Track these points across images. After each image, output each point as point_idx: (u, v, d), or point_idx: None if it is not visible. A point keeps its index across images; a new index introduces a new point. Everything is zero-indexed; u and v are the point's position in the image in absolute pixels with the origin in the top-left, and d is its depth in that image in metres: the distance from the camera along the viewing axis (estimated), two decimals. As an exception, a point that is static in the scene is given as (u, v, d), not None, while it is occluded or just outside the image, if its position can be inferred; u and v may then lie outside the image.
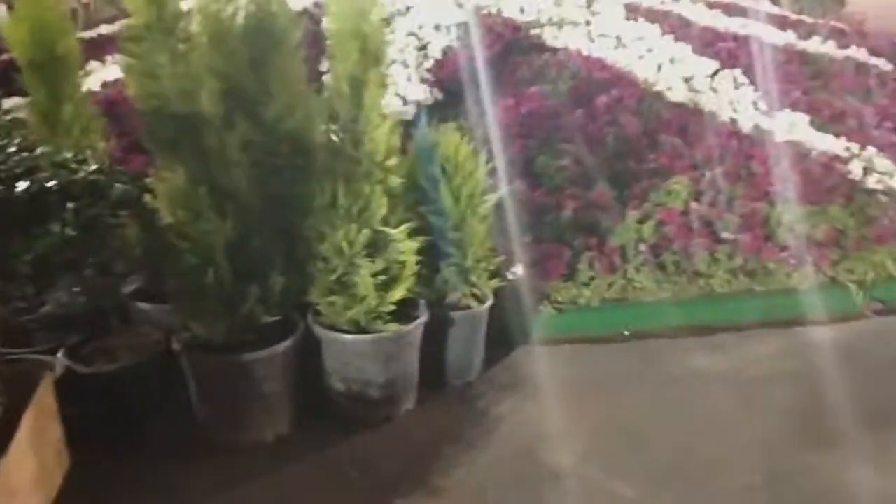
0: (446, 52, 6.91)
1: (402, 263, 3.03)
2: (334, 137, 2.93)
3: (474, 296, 3.43)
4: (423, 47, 7.05)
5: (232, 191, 2.82)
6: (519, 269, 3.87)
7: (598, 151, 5.33)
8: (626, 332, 3.94)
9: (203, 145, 2.76)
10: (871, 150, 5.47)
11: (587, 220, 4.50)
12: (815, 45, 8.07)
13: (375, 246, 2.97)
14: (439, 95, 6.12)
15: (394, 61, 6.53)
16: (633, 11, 8.19)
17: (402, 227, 2.99)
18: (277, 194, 3.04)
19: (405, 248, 2.99)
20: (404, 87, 6.11)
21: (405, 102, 5.95)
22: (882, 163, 5.32)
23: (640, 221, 4.45)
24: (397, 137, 3.02)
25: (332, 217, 2.91)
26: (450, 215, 3.22)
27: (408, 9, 7.83)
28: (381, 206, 2.93)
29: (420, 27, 7.40)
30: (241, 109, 3.07)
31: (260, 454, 2.93)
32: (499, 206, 4.38)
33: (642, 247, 4.23)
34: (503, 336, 3.74)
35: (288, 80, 3.14)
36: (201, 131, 2.76)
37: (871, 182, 5.05)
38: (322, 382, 3.17)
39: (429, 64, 6.71)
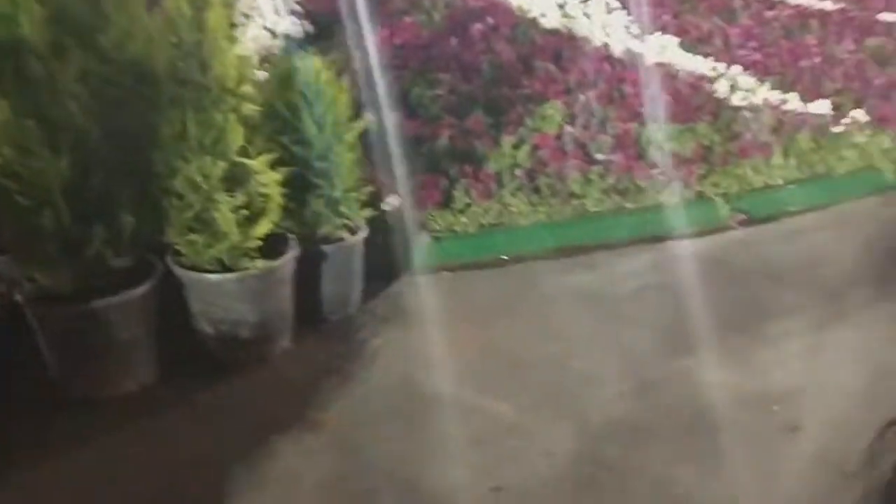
0: (315, -20, 6.57)
1: (266, 196, 2.88)
2: (179, 64, 2.71)
3: (347, 227, 3.32)
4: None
5: (65, 124, 2.58)
6: (394, 200, 3.78)
7: (473, 80, 5.27)
8: (505, 257, 3.93)
9: (27, 74, 2.49)
10: (735, 68, 5.63)
11: (463, 148, 4.45)
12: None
13: (234, 179, 2.81)
14: (310, 28, 5.86)
15: (260, -9, 6.19)
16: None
17: (262, 158, 2.83)
18: (122, 128, 2.80)
19: (267, 179, 2.84)
20: (272, 20, 5.81)
21: (273, 36, 5.68)
22: (746, 80, 5.49)
23: (515, 147, 4.43)
24: (250, 62, 2.82)
25: (184, 150, 2.72)
26: (314, 144, 3.07)
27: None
28: (236, 137, 2.76)
29: (288, -45, 7.01)
30: (74, 36, 2.80)
31: (122, 406, 2.77)
32: (372, 138, 4.28)
33: (518, 172, 4.21)
34: (382, 267, 3.66)
35: (125, 2, 2.87)
36: (24, 59, 2.49)
37: (736, 100, 5.20)
38: (189, 326, 3.01)
39: (297, -5, 6.39)
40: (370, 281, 3.55)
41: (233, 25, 2.82)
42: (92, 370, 2.76)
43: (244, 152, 2.81)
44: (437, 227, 3.89)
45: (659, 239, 4.08)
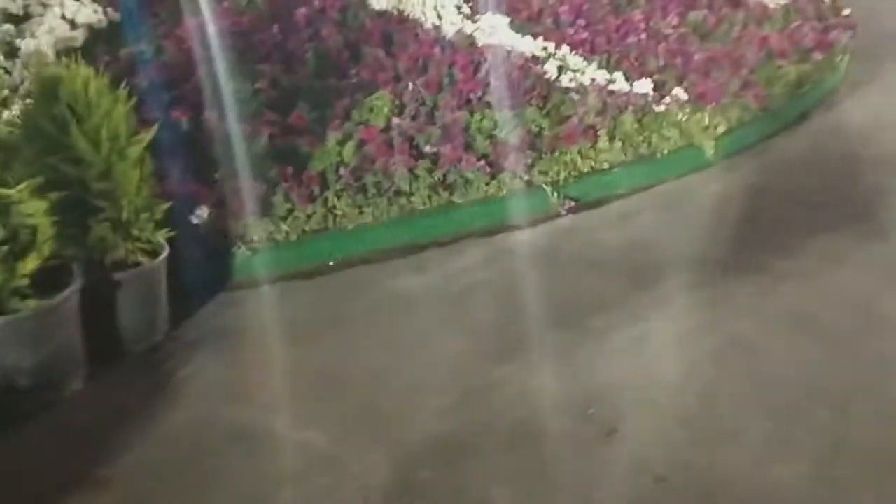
0: (127, -36, 6.05)
1: (32, 228, 2.54)
2: None
3: (143, 250, 3.03)
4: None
5: None
6: (203, 211, 3.50)
7: (297, 70, 4.99)
8: (331, 263, 3.75)
9: None
10: (564, 48, 5.63)
11: (284, 147, 4.19)
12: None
13: (-10, 211, 2.46)
14: (115, 16, 5.39)
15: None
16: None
17: (22, 186, 2.49)
18: None
19: (32, 209, 2.51)
20: (72, 8, 5.29)
21: (73, 26, 5.18)
22: (575, 60, 5.49)
23: (341, 143, 4.23)
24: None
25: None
26: (91, 163, 2.75)
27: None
28: (-15, 164, 2.41)
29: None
30: None
31: None
32: (178, 142, 3.96)
33: (342, 171, 4.01)
34: (194, 286, 3.40)
35: None
36: None
37: (565, 81, 5.19)
38: (-43, 378, 2.64)
39: (104, -21, 5.85)
40: (182, 302, 3.29)
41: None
42: None
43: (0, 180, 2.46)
44: (256, 238, 3.64)
45: (490, 232, 4.03)
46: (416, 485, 2.39)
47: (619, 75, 5.29)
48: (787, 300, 3.32)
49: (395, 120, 4.51)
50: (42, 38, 4.97)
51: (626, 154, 4.55)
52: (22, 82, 4.46)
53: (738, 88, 5.30)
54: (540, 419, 2.65)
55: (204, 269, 3.46)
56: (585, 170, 4.41)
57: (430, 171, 4.08)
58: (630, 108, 4.79)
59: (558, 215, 4.21)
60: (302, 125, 4.42)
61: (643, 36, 6.13)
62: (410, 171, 4.08)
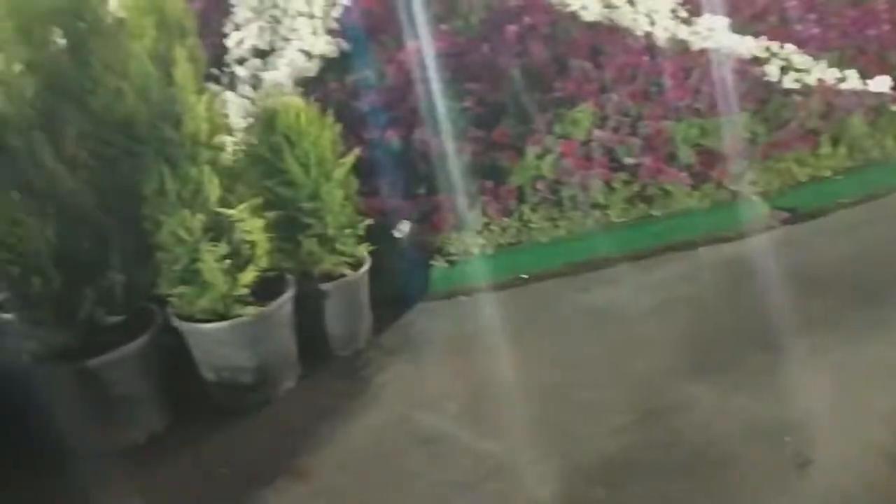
0: (351, -3, 6.59)
1: (251, 243, 2.89)
2: (156, 122, 2.77)
3: (348, 263, 3.30)
4: (333, -5, 6.74)
5: (51, 191, 2.68)
6: (405, 226, 3.74)
7: (504, 87, 5.14)
8: (525, 276, 3.82)
9: (7, 148, 2.60)
10: (789, 46, 5.25)
11: (486, 163, 4.34)
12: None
13: (217, 229, 2.83)
14: (346, 46, 5.89)
15: (299, 14, 6.27)
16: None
17: (242, 206, 2.84)
18: (111, 187, 2.89)
19: (250, 226, 2.86)
20: (309, 41, 5.87)
21: (309, 57, 5.73)
22: (801, 59, 5.12)
23: (539, 157, 4.29)
24: (219, 111, 2.85)
25: (164, 204, 2.77)
26: (302, 185, 3.07)
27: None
28: (213, 188, 2.78)
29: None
30: (70, 101, 2.90)
31: (129, 457, 2.85)
32: (388, 162, 4.25)
33: (539, 185, 4.08)
34: (395, 297, 3.64)
35: (112, 63, 2.94)
36: (4, 134, 2.60)
37: (788, 82, 4.86)
38: (195, 374, 3.07)
39: (337, 12, 6.43)
40: (383, 312, 3.53)
41: (198, 78, 2.84)
42: (99, 423, 2.86)
43: (224, 201, 2.83)
44: (453, 251, 3.81)
45: (691, 245, 3.87)
46: (585, 501, 2.38)
47: (852, 73, 4.85)
48: None
49: (596, 132, 4.49)
50: (281, 70, 5.56)
51: (853, 160, 4.14)
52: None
53: None
54: (726, 444, 2.52)
55: (404, 281, 3.69)
56: (803, 178, 4.08)
57: (627, 184, 4.01)
58: (861, 108, 4.35)
59: (771, 227, 3.94)
60: (504, 141, 4.55)
61: (886, 27, 5.54)
62: (607, 183, 4.04)
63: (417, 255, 3.74)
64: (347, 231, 3.19)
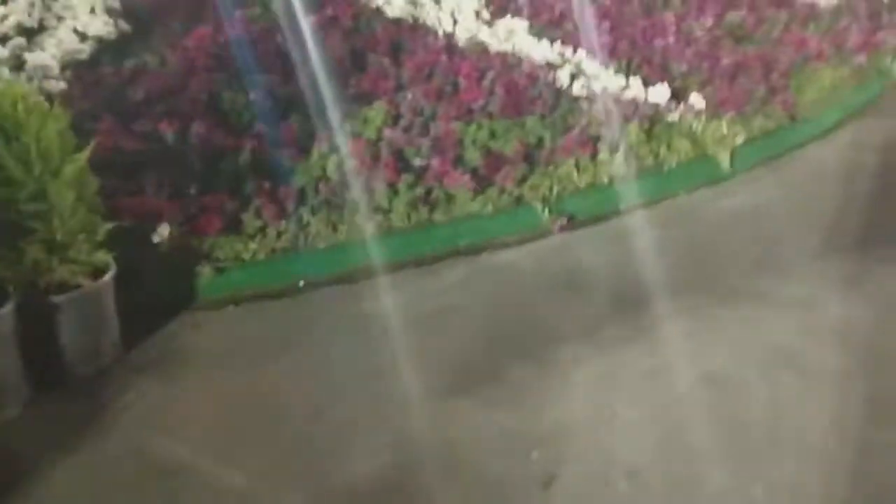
0: (149, -25, 6.06)
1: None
2: None
3: (86, 272, 2.95)
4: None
5: None
6: (165, 230, 3.41)
7: (296, 80, 4.88)
8: (301, 284, 3.61)
9: None
10: (581, 53, 5.37)
11: (266, 161, 4.08)
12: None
13: None
14: (126, 27, 5.40)
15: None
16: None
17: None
18: None
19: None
20: (84, 21, 5.33)
21: (83, 39, 5.20)
22: (591, 66, 5.23)
23: (324, 157, 4.09)
24: None
25: None
26: (22, 184, 2.68)
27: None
28: None
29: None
30: None
31: None
32: (158, 158, 3.89)
33: (322, 187, 3.87)
34: (154, 307, 3.31)
35: None
36: None
37: (577, 88, 4.94)
38: None
39: (122, -10, 5.88)
40: (139, 324, 3.20)
41: None
42: None
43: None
44: (222, 256, 3.53)
45: (473, 251, 3.81)
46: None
47: (636, 81, 5.01)
48: (774, 335, 3.01)
49: (387, 131, 4.36)
50: (49, 51, 5.00)
51: (629, 167, 4.26)
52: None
53: (764, 94, 4.94)
54: (478, 462, 2.44)
55: (166, 289, 3.37)
56: (582, 184, 4.14)
57: (411, 187, 3.90)
58: (637, 117, 4.49)
59: (551, 233, 3.97)
60: (290, 137, 4.31)
61: (671, 39, 5.81)
62: (391, 186, 3.91)
63: (182, 262, 3.42)
64: (81, 237, 2.83)
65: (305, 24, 5.56)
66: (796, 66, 5.29)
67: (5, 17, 5.39)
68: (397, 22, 5.78)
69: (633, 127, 4.38)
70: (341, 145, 4.21)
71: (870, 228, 3.75)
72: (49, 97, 4.51)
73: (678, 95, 4.80)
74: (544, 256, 3.76)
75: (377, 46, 5.31)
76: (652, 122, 4.48)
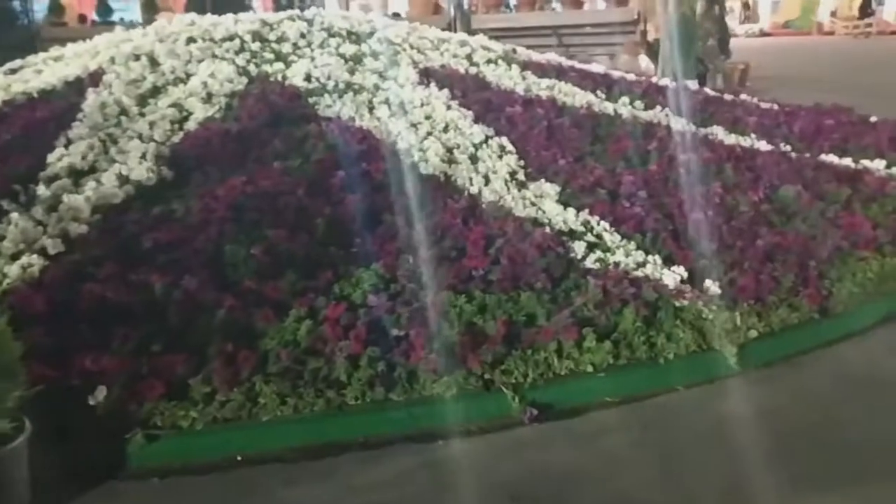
0: (204, 123, 6.44)
1: None
2: None
3: (-7, 437, 2.90)
4: (183, 119, 6.59)
5: None
6: (101, 392, 3.36)
7: (301, 236, 4.89)
8: (239, 458, 3.44)
9: None
10: (604, 224, 5.16)
11: (241, 321, 4.03)
12: (618, 105, 7.86)
13: None
14: (168, 174, 5.66)
15: (137, 136, 6.07)
16: (427, 75, 7.87)
17: None
18: None
19: None
20: (130, 167, 5.62)
21: (123, 183, 5.47)
22: (611, 238, 5.00)
23: (298, 320, 3.99)
24: None
25: None
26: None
27: (185, 77, 7.38)
28: None
29: (189, 96, 6.95)
30: None
31: None
32: (126, 311, 3.91)
33: (282, 353, 3.75)
34: (79, 473, 3.22)
35: None
36: None
37: (590, 261, 4.71)
38: None
39: (178, 138, 6.24)
40: (60, 492, 3.11)
41: None
42: None
43: None
44: (160, 423, 3.43)
45: (428, 438, 3.54)
46: None
47: (654, 259, 4.72)
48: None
49: (371, 298, 4.24)
50: (85, 194, 5.27)
51: (618, 356, 3.91)
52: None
53: (793, 283, 4.51)
54: None
55: (95, 457, 3.28)
56: (563, 371, 3.82)
57: (372, 361, 3.71)
58: (636, 301, 4.17)
59: (520, 424, 3.65)
60: (274, 296, 4.26)
61: (710, 212, 5.51)
62: (352, 359, 3.74)
63: (116, 427, 3.33)
64: (-14, 402, 2.80)
65: (335, 178, 5.67)
66: (842, 253, 4.83)
67: (61, 157, 5.78)
68: (429, 179, 5.80)
69: (628, 311, 4.05)
70: (321, 309, 4.10)
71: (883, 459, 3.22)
72: (66, 239, 4.77)
73: (694, 278, 4.45)
74: (505, 452, 3.44)
75: (395, 206, 5.30)
76: (655, 308, 4.14)
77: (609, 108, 7.76)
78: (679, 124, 7.52)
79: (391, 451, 3.44)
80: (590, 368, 3.83)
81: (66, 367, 3.46)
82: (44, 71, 8.22)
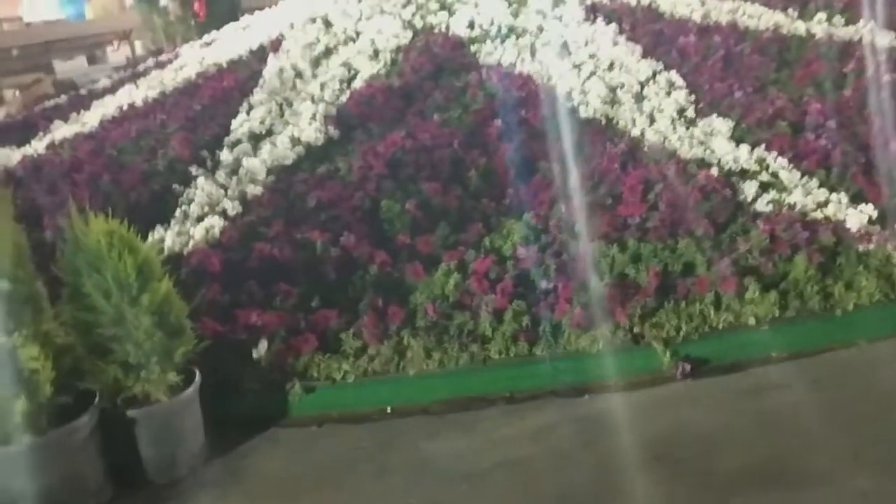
0: (369, 81, 6.62)
1: (35, 371, 2.86)
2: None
3: (169, 387, 3.21)
4: (351, 78, 6.81)
5: None
6: (263, 345, 3.60)
7: (456, 189, 4.90)
8: (389, 410, 3.56)
9: None
10: (782, 161, 4.69)
11: (391, 277, 4.13)
12: (811, 24, 7.06)
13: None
14: (334, 133, 5.87)
15: (310, 97, 6.35)
16: (594, 11, 7.51)
17: (16, 335, 2.83)
18: None
19: (28, 354, 2.83)
20: (301, 128, 5.90)
21: (294, 144, 5.74)
22: (789, 176, 4.55)
23: (447, 274, 4.03)
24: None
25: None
26: (102, 311, 3.02)
27: (356, 36, 7.60)
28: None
29: (357, 54, 7.16)
30: None
31: None
32: (290, 269, 4.12)
33: (429, 308, 3.80)
34: (244, 421, 3.51)
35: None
36: None
37: (762, 204, 4.32)
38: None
39: (345, 97, 6.46)
40: (225, 437, 3.40)
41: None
42: None
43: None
44: (316, 374, 3.62)
45: (575, 392, 3.47)
46: None
47: (839, 197, 4.23)
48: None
49: (520, 250, 4.18)
50: (261, 157, 5.59)
51: (786, 308, 3.57)
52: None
53: None
54: None
55: (257, 405, 3.54)
56: (720, 325, 3.56)
57: (518, 316, 3.66)
58: (809, 247, 3.76)
59: (671, 379, 3.46)
60: (426, 251, 4.32)
61: (910, 142, 4.83)
62: (497, 313, 3.71)
63: (276, 378, 3.57)
64: (154, 359, 3.09)
65: (491, 128, 5.61)
66: None
67: (242, 123, 6.18)
68: (589, 123, 5.57)
69: (800, 259, 3.67)
70: (470, 262, 4.11)
71: None
72: (244, 201, 5.10)
73: (885, 219, 3.94)
74: (653, 409, 3.28)
75: (551, 153, 5.15)
76: (833, 253, 3.72)
77: (801, 27, 6.97)
78: (886, 39, 6.59)
79: (534, 405, 3.40)
80: (752, 321, 3.53)
81: (234, 322, 3.72)
82: (234, 41, 8.83)
